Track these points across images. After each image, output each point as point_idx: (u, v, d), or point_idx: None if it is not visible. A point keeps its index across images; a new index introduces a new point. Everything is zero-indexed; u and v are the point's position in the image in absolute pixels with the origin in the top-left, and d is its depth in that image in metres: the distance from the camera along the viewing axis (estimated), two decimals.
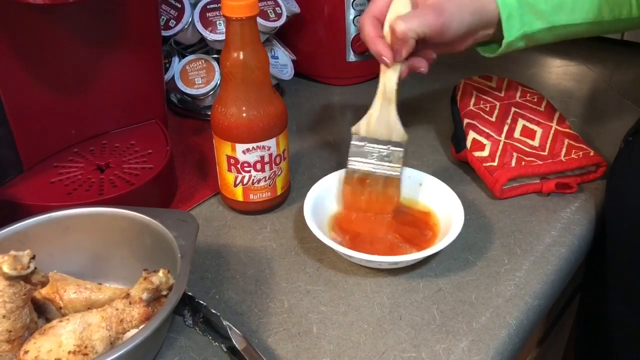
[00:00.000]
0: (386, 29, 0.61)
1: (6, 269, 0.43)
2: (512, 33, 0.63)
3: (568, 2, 0.63)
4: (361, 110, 0.88)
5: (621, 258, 0.65)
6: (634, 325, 0.65)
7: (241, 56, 0.59)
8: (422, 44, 0.62)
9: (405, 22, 0.58)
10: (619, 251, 0.66)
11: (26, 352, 0.45)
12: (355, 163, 0.63)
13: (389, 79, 0.61)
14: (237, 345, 0.48)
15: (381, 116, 0.62)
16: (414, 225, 0.63)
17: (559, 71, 1.00)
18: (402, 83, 0.63)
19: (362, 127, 0.63)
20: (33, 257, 0.44)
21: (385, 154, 0.62)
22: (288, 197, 0.70)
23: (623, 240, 0.64)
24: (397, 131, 0.62)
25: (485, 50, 0.68)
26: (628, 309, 0.66)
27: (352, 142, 0.63)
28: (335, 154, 0.79)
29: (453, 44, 0.64)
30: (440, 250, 0.58)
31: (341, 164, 0.71)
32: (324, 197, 0.64)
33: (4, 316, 0.45)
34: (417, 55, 0.63)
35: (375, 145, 0.62)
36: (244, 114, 0.61)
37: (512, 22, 0.62)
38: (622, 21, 0.65)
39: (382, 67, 0.62)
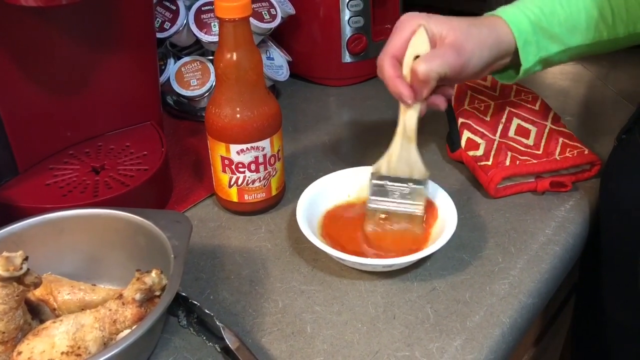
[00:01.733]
0: (405, 70, 0.60)
1: None
2: (529, 59, 0.63)
3: (582, 23, 0.63)
4: (357, 110, 0.89)
5: (615, 256, 0.66)
6: (629, 323, 0.65)
7: (234, 57, 0.59)
8: (440, 80, 0.61)
9: (427, 64, 0.57)
10: (613, 249, 0.66)
11: (19, 353, 0.45)
12: (377, 202, 0.62)
13: (409, 118, 0.60)
14: (230, 345, 0.49)
15: (402, 155, 0.61)
16: (407, 228, 0.63)
17: (554, 70, 1.00)
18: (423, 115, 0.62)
19: (383, 166, 0.62)
20: (26, 259, 0.45)
21: (407, 192, 0.61)
22: (283, 198, 0.70)
23: (617, 238, 0.65)
24: (419, 169, 0.61)
25: (502, 77, 0.68)
26: (623, 308, 0.66)
27: (373, 181, 0.62)
28: (331, 155, 0.79)
29: (471, 77, 0.64)
30: (435, 250, 0.58)
31: (336, 164, 0.71)
32: (318, 199, 0.64)
33: None
34: (435, 92, 0.62)
35: (397, 184, 0.62)
36: (238, 115, 0.62)
37: (528, 49, 0.62)
38: (636, 35, 0.65)
39: (402, 106, 0.60)
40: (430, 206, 0.64)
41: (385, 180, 0.62)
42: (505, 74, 0.68)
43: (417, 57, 0.59)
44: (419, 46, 0.60)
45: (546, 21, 0.62)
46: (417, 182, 0.61)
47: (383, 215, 0.62)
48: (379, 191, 0.62)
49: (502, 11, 0.63)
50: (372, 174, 0.62)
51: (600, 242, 0.67)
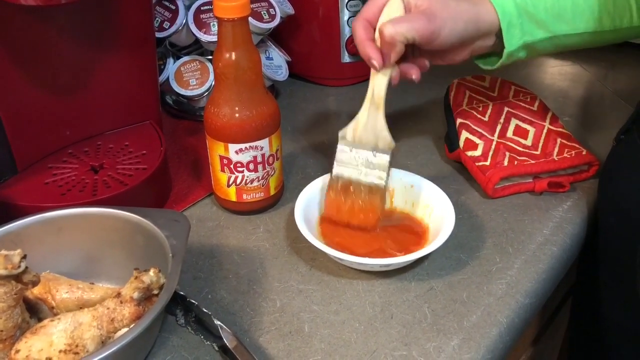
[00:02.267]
0: (377, 33, 0.61)
1: None
2: (512, 42, 0.62)
3: (568, 12, 0.63)
4: (355, 111, 0.89)
5: (613, 256, 0.66)
6: (626, 324, 0.65)
7: (233, 57, 0.60)
8: (415, 50, 0.61)
9: (394, 26, 0.57)
10: (612, 249, 0.66)
11: (17, 351, 0.45)
12: (341, 168, 0.62)
13: (378, 83, 0.60)
14: (228, 344, 0.49)
15: (368, 122, 0.61)
16: (405, 228, 0.63)
17: (553, 71, 1.01)
18: (396, 84, 0.62)
19: (349, 132, 0.62)
20: (24, 257, 0.45)
21: (371, 160, 0.61)
22: (282, 197, 0.70)
23: (615, 238, 0.65)
24: (384, 138, 0.61)
25: (485, 62, 0.68)
26: (621, 308, 0.66)
27: (339, 147, 0.62)
28: (330, 155, 0.78)
29: (448, 53, 0.63)
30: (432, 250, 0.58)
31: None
32: (316, 199, 0.65)
33: None
34: (409, 62, 0.62)
35: (362, 151, 0.61)
36: (237, 114, 0.62)
37: (512, 31, 0.62)
38: (622, 30, 0.65)
39: (372, 71, 0.61)
40: (428, 205, 0.64)
41: (350, 147, 0.61)
42: (489, 60, 0.67)
43: None
44: (393, 12, 0.60)
45: (532, 5, 0.62)
46: (382, 151, 0.60)
47: (345, 184, 0.62)
48: (344, 157, 0.62)
49: None
50: (340, 138, 0.62)
51: (598, 243, 0.67)
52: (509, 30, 0.62)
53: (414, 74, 0.62)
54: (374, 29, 0.61)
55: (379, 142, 0.61)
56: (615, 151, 0.67)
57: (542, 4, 0.62)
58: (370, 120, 0.61)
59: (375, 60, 0.59)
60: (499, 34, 0.62)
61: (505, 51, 0.63)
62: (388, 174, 0.61)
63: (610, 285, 0.67)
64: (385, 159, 0.61)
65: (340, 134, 0.62)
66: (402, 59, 0.61)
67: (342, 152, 0.62)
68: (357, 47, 0.61)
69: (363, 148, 0.61)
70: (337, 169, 0.62)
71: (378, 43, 0.60)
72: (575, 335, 0.79)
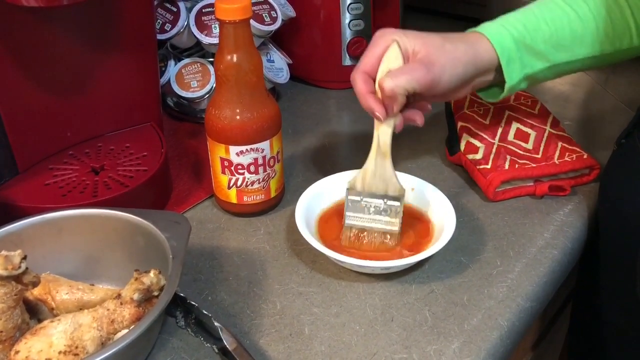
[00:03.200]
0: (377, 85, 0.60)
1: None
2: (513, 77, 0.63)
3: (567, 40, 0.63)
4: (357, 113, 0.89)
5: (613, 260, 0.66)
6: (626, 328, 0.65)
7: (235, 59, 0.60)
8: (415, 96, 0.60)
9: (393, 79, 0.57)
10: (612, 253, 0.66)
11: (17, 352, 0.45)
12: (353, 218, 0.61)
13: (383, 133, 0.60)
14: (228, 346, 0.49)
15: (377, 170, 0.60)
16: (406, 230, 0.63)
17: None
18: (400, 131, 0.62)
19: (358, 182, 0.61)
20: (24, 258, 0.45)
21: (382, 208, 0.61)
22: (282, 200, 0.70)
23: (615, 242, 0.65)
24: (394, 185, 0.60)
25: (487, 95, 0.68)
26: (621, 312, 0.66)
27: (349, 197, 0.61)
28: (330, 157, 0.79)
29: (449, 94, 0.63)
30: (434, 253, 0.58)
31: (336, 166, 0.71)
32: (316, 201, 0.65)
33: None
34: (412, 107, 0.62)
35: (372, 200, 0.61)
36: (238, 117, 0.62)
37: (512, 66, 0.62)
38: (623, 51, 0.65)
39: (376, 121, 0.60)
40: (429, 208, 0.64)
41: (361, 197, 0.61)
42: (490, 92, 0.67)
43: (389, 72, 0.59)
44: (392, 61, 0.60)
45: (530, 38, 0.62)
46: (392, 198, 0.60)
47: (358, 232, 0.62)
48: (355, 207, 0.61)
49: (485, 27, 0.63)
50: (348, 189, 0.61)
51: (598, 246, 0.67)
52: (509, 65, 0.62)
53: (418, 119, 0.62)
54: (374, 80, 0.60)
55: (389, 189, 0.61)
56: (616, 155, 0.67)
57: (540, 35, 0.63)
58: (378, 168, 0.61)
59: (379, 113, 0.59)
60: (498, 69, 0.62)
61: (507, 86, 0.63)
62: (401, 219, 0.61)
63: (610, 289, 0.67)
64: (397, 205, 0.60)
65: (349, 184, 0.61)
66: (405, 105, 0.60)
67: (353, 202, 0.61)
68: (359, 100, 0.60)
69: (373, 197, 0.61)
70: (349, 220, 0.61)
71: (379, 94, 0.59)
72: (574, 339, 0.79)
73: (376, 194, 0.61)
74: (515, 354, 0.75)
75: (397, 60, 0.60)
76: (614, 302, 0.66)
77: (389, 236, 0.61)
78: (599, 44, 0.64)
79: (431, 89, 0.59)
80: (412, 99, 0.62)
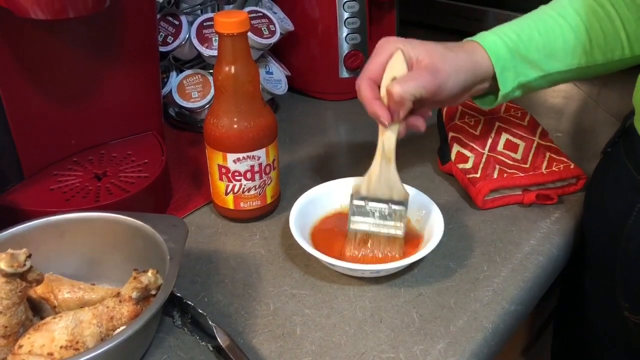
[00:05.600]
0: (383, 92, 0.61)
1: (3, 266, 0.45)
2: (507, 85, 0.65)
3: (559, 50, 0.65)
4: (353, 124, 0.91)
5: (597, 266, 0.67)
6: (609, 332, 0.67)
7: (232, 70, 0.62)
8: (418, 102, 0.62)
9: (402, 85, 0.59)
10: (595, 259, 0.68)
11: (20, 346, 0.47)
12: (358, 223, 0.63)
13: (387, 139, 0.62)
14: (221, 343, 0.51)
15: (381, 175, 0.62)
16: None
17: (547, 89, 1.03)
18: (402, 136, 0.64)
19: (363, 186, 0.62)
20: (29, 256, 0.47)
21: (387, 212, 0.62)
22: (278, 207, 0.73)
23: (599, 249, 0.67)
24: (398, 190, 0.62)
25: (482, 102, 0.70)
26: (605, 317, 0.67)
27: (353, 202, 0.63)
28: (326, 166, 0.81)
29: (449, 100, 0.66)
30: (422, 258, 0.60)
31: (331, 175, 0.74)
32: (311, 207, 0.67)
33: (0, 312, 0.47)
34: (414, 113, 0.64)
35: (377, 204, 0.62)
36: (235, 125, 0.64)
37: (506, 74, 0.64)
38: (614, 62, 0.67)
39: (381, 127, 0.62)
40: (418, 214, 0.66)
41: (366, 201, 0.63)
42: (486, 99, 0.70)
43: (394, 79, 0.60)
44: (396, 69, 0.61)
45: (524, 47, 0.64)
46: (397, 202, 0.62)
47: (363, 237, 0.63)
48: (360, 211, 0.63)
49: (480, 37, 0.65)
50: (352, 194, 0.63)
51: (584, 253, 0.69)
52: (503, 73, 0.64)
53: (421, 125, 0.64)
54: (378, 87, 0.62)
55: (394, 194, 0.62)
56: (602, 163, 0.69)
57: (534, 45, 0.65)
58: (383, 173, 0.62)
59: (384, 118, 0.60)
60: (494, 77, 0.65)
61: (501, 93, 0.66)
62: (405, 224, 0.62)
63: (594, 294, 0.69)
64: (401, 209, 0.62)
65: (353, 189, 0.63)
66: (408, 112, 0.62)
67: (358, 206, 0.63)
68: (364, 106, 0.62)
69: (378, 201, 0.62)
70: (354, 224, 0.63)
71: (384, 100, 0.61)
72: (558, 345, 0.81)
73: (381, 198, 0.62)
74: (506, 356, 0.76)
75: (401, 67, 0.61)
76: (597, 307, 0.68)
77: (394, 243, 0.62)
78: (591, 55, 0.66)
79: (436, 96, 0.61)
80: (416, 106, 0.63)
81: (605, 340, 0.68)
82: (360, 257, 0.63)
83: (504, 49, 0.64)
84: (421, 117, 0.64)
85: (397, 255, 0.62)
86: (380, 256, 0.62)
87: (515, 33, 0.65)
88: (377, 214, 0.62)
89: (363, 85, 0.62)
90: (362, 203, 0.63)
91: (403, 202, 0.62)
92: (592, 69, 0.67)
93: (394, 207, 0.62)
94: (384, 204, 0.62)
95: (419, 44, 0.63)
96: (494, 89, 0.67)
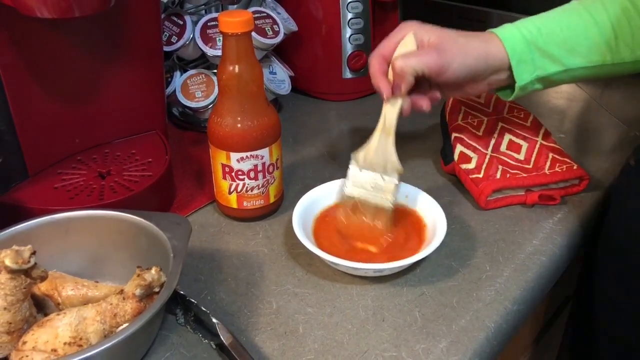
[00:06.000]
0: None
1: (8, 262, 0.45)
2: (524, 77, 0.65)
3: (582, 46, 0.64)
4: (355, 125, 0.92)
5: (619, 270, 0.66)
6: (628, 338, 0.66)
7: (236, 69, 0.63)
8: (426, 82, 0.64)
9: (404, 59, 0.62)
10: (617, 263, 0.67)
11: (24, 342, 0.48)
12: (352, 188, 0.65)
13: (389, 112, 0.64)
14: (224, 340, 0.51)
15: (379, 147, 0.64)
16: (399, 235, 0.65)
17: (550, 90, 1.03)
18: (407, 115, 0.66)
19: (361, 156, 0.65)
20: (33, 253, 0.47)
21: (379, 183, 0.64)
22: (281, 206, 0.73)
23: (623, 255, 0.66)
24: (392, 163, 0.64)
25: (503, 94, 0.70)
26: (623, 321, 0.67)
27: (350, 167, 0.65)
28: (329, 166, 0.82)
29: (463, 87, 0.67)
30: (425, 257, 0.60)
31: (334, 175, 0.74)
32: (313, 206, 0.67)
33: (5, 308, 0.47)
34: (420, 93, 0.66)
35: (371, 173, 0.64)
36: (239, 124, 0.64)
37: (523, 67, 0.64)
38: None
39: (385, 102, 0.65)
40: (421, 214, 0.66)
41: (362, 169, 0.65)
42: (506, 92, 0.69)
43: None
44: (406, 47, 0.64)
45: (543, 41, 0.64)
46: (390, 175, 0.64)
47: (355, 204, 0.65)
48: (355, 178, 0.65)
49: (500, 28, 0.66)
50: (352, 159, 0.65)
51: (603, 257, 0.68)
52: (519, 65, 0.64)
53: (424, 104, 0.66)
54: (388, 64, 0.65)
55: (388, 166, 0.64)
56: (633, 170, 0.67)
57: (554, 39, 0.64)
58: (380, 145, 0.64)
59: (385, 91, 0.64)
60: (511, 69, 0.65)
61: (517, 85, 0.65)
62: (395, 197, 0.64)
63: (613, 298, 0.68)
64: (393, 182, 0.64)
65: (353, 155, 0.65)
66: (416, 91, 0.65)
67: (353, 172, 0.65)
68: (371, 79, 0.65)
69: (372, 170, 0.64)
70: (347, 189, 0.65)
71: (391, 77, 0.64)
72: (571, 345, 0.80)
73: (376, 168, 0.64)
74: (514, 351, 0.77)
75: (411, 47, 0.64)
76: (615, 311, 0.67)
77: (381, 213, 0.64)
78: (617, 52, 0.64)
79: (440, 75, 0.63)
80: (427, 86, 0.66)
81: (622, 347, 0.67)
82: (350, 225, 0.65)
83: (521, 41, 0.64)
84: (427, 98, 0.66)
85: (384, 226, 0.64)
86: (370, 224, 0.64)
87: (536, 26, 0.65)
88: (370, 183, 0.64)
89: (373, 61, 0.65)
90: (357, 170, 0.65)
91: (395, 176, 0.64)
92: (620, 66, 0.65)
93: (387, 178, 0.64)
94: (377, 174, 0.64)
95: (433, 28, 0.65)
96: (512, 81, 0.66)
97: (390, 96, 0.64)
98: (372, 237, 0.64)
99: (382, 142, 0.64)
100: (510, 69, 0.65)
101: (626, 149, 0.84)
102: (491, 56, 0.64)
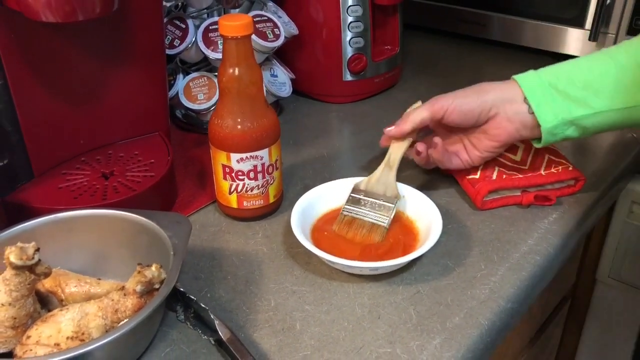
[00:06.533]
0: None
1: (13, 258, 0.47)
2: (548, 120, 0.65)
3: (608, 87, 0.63)
4: (355, 126, 0.93)
5: None
6: None
7: (236, 72, 0.64)
8: (441, 129, 0.72)
9: (408, 112, 0.72)
10: None
11: (28, 337, 0.49)
12: (349, 210, 0.68)
13: (394, 151, 0.72)
14: (222, 337, 0.52)
15: (381, 178, 0.70)
16: (395, 234, 0.66)
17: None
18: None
19: (363, 183, 0.70)
20: (38, 249, 0.49)
21: (377, 205, 0.68)
22: (281, 206, 0.74)
23: None
24: (392, 189, 0.69)
25: (536, 141, 0.70)
26: None
27: (351, 194, 0.69)
28: (328, 167, 0.83)
29: (469, 119, 0.70)
30: (421, 256, 0.62)
31: (333, 176, 0.75)
32: (312, 207, 0.69)
33: (9, 304, 0.49)
34: (425, 139, 0.74)
35: (370, 198, 0.68)
36: (239, 126, 0.66)
37: (544, 109, 0.65)
38: None
39: (392, 141, 0.73)
40: (417, 213, 0.68)
41: (362, 194, 0.69)
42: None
43: None
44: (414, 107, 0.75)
45: (561, 83, 0.65)
46: (388, 199, 0.68)
47: (349, 219, 0.68)
48: (354, 201, 0.69)
49: (518, 75, 0.68)
50: (354, 187, 0.70)
51: None
52: (540, 107, 0.66)
53: (421, 149, 0.72)
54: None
55: (387, 191, 0.69)
56: None
57: (574, 81, 0.65)
58: (383, 176, 0.70)
59: (393, 130, 0.72)
60: (528, 102, 0.66)
61: (542, 128, 0.66)
62: (391, 218, 0.67)
63: None
64: (390, 205, 0.67)
65: (355, 184, 0.70)
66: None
67: (354, 198, 0.69)
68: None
69: (373, 197, 0.69)
70: (345, 211, 0.68)
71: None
72: None
73: (376, 195, 0.69)
74: (512, 352, 0.77)
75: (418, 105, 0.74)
76: None
77: (376, 229, 0.66)
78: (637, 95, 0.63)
79: (443, 118, 0.69)
80: (449, 131, 0.73)
81: None
82: (345, 235, 0.67)
83: (537, 82, 0.66)
84: (426, 144, 0.72)
85: (377, 239, 0.66)
86: (361, 236, 0.67)
87: (554, 69, 0.66)
88: (368, 206, 0.68)
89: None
90: (358, 196, 0.69)
91: (393, 201, 0.67)
92: None
93: (384, 202, 0.68)
94: (377, 199, 0.68)
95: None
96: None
97: (398, 135, 0.71)
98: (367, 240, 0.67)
99: (384, 174, 0.70)
100: (527, 101, 0.66)
101: (622, 150, 0.85)
102: (507, 98, 0.67)
